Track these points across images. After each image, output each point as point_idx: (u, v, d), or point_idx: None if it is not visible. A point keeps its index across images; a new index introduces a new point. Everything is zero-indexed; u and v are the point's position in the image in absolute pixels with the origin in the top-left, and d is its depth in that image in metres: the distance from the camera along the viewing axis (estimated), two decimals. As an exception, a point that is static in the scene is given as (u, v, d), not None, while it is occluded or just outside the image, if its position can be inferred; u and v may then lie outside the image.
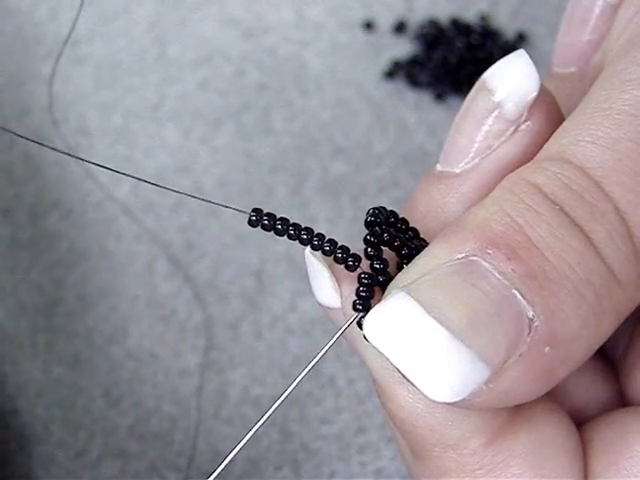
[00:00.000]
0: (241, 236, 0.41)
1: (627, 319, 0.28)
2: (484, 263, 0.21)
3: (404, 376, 0.21)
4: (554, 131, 0.24)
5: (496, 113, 0.25)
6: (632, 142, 0.22)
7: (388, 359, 0.22)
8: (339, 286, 0.24)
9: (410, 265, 0.23)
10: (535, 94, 0.25)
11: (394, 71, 0.46)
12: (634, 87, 0.23)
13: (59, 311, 0.40)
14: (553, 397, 0.26)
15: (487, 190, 0.24)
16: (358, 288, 0.23)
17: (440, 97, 0.45)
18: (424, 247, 0.24)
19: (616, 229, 0.22)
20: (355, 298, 0.24)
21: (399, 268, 0.24)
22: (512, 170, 0.24)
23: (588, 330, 0.22)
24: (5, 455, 0.36)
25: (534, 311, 0.21)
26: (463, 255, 0.22)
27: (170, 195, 0.42)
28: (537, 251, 0.21)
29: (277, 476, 0.36)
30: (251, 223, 0.24)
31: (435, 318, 0.21)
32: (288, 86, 0.46)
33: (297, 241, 0.24)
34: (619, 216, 0.22)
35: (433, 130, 0.44)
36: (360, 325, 0.24)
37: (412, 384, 0.22)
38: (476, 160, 0.25)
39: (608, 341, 0.28)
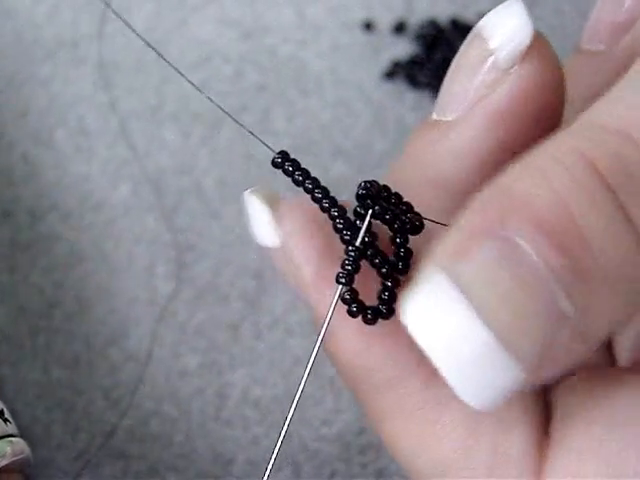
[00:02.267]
0: (241, 237, 0.41)
1: None
2: (530, 250, 0.20)
3: (444, 376, 0.20)
4: (549, 79, 0.24)
5: (490, 62, 0.24)
6: None
7: (426, 353, 0.20)
8: (281, 224, 0.24)
9: (443, 237, 0.21)
10: (528, 42, 0.24)
11: (394, 71, 0.46)
12: None
13: (58, 313, 0.39)
14: None
15: (477, 139, 0.24)
16: (344, 261, 0.23)
17: (440, 97, 0.45)
18: (418, 221, 0.23)
19: None
20: (339, 270, 0.23)
21: (392, 242, 0.24)
22: (503, 118, 0.23)
23: (615, 327, 0.21)
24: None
25: (575, 309, 0.20)
26: (505, 234, 0.20)
27: (170, 195, 0.42)
28: (587, 245, 0.20)
29: (277, 477, 0.36)
30: (275, 164, 0.24)
31: (481, 316, 0.20)
32: (288, 86, 0.46)
33: (309, 196, 0.24)
34: None
35: (433, 130, 0.44)
36: (344, 300, 0.23)
37: (451, 388, 0.20)
38: (469, 107, 0.24)
39: None
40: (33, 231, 0.42)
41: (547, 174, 0.21)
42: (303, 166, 0.24)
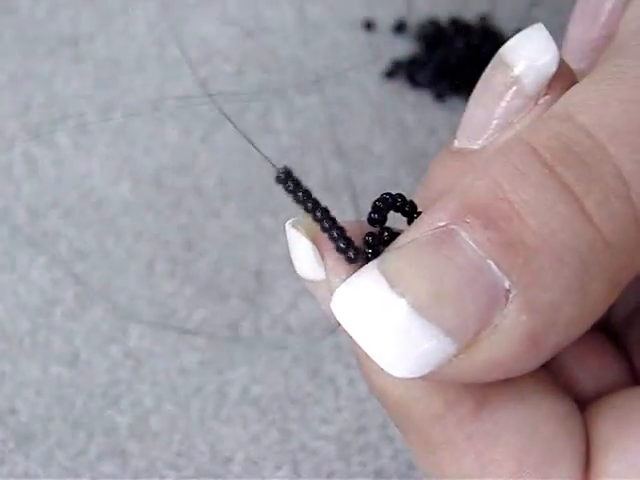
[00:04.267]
0: (241, 235, 0.41)
1: None
2: (461, 232, 0.21)
3: (364, 350, 0.21)
4: None
5: (515, 88, 0.24)
6: None
7: (347, 331, 0.21)
8: (322, 257, 0.24)
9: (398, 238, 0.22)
10: (554, 69, 0.24)
11: (394, 71, 0.46)
12: None
13: (58, 310, 0.39)
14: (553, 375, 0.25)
15: None
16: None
17: (440, 97, 0.45)
18: None
19: (614, 191, 0.21)
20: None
21: None
22: None
23: (573, 297, 0.21)
24: (3, 454, 0.36)
25: (510, 281, 0.21)
26: (444, 223, 0.21)
27: (170, 194, 0.42)
28: (518, 218, 0.21)
29: (276, 475, 0.36)
30: (278, 180, 0.24)
31: (397, 292, 0.21)
32: (288, 86, 0.46)
33: (310, 216, 0.24)
34: (620, 179, 0.21)
35: (433, 130, 0.44)
36: None
37: (371, 358, 0.21)
38: (495, 136, 0.24)
39: (621, 325, 0.28)
40: (33, 228, 0.42)
41: (489, 164, 0.22)
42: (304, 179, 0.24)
